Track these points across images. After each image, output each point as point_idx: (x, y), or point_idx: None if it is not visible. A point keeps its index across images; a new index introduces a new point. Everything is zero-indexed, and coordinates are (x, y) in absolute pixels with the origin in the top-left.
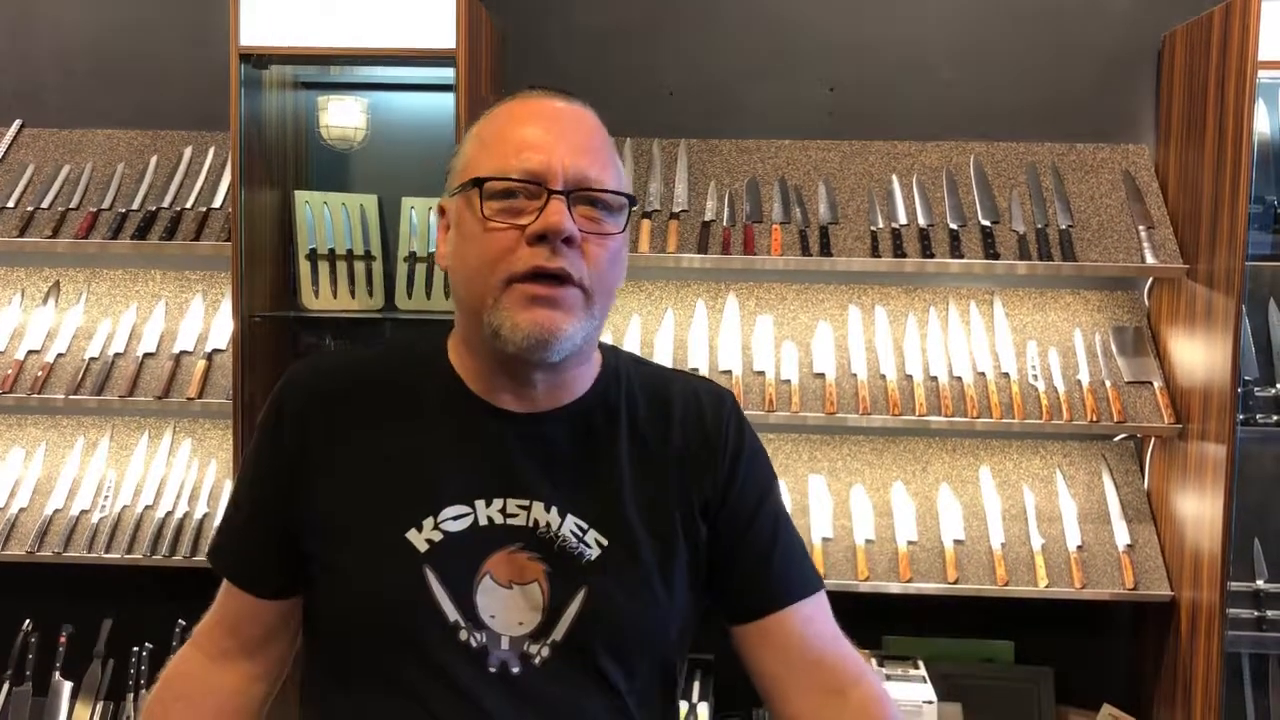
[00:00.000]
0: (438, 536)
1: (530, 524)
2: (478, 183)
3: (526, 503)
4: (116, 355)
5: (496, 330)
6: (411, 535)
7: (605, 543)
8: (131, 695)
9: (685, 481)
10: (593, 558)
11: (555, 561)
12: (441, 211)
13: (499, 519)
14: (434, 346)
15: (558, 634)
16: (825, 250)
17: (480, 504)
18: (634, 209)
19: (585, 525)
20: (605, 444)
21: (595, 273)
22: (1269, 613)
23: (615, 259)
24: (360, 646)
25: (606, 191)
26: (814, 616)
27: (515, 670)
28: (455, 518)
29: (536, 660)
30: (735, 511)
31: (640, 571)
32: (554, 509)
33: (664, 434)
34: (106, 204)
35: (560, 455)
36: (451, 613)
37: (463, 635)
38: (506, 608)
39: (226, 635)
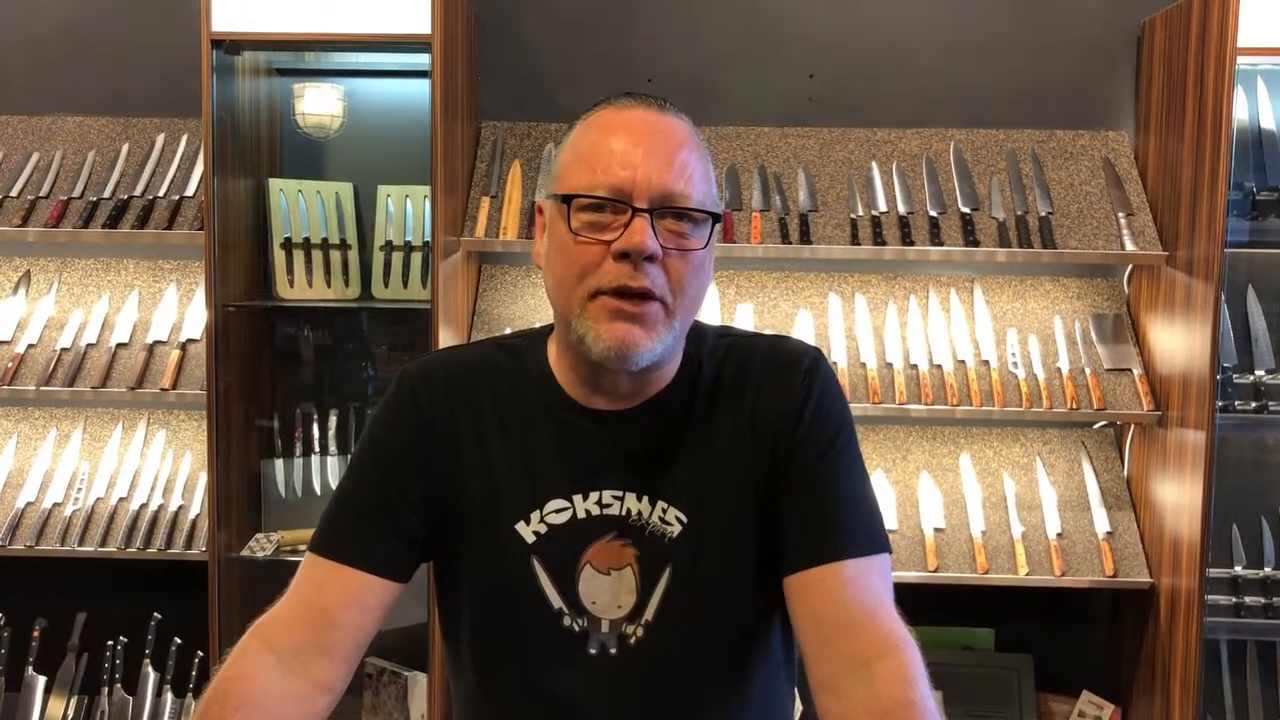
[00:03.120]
0: (543, 529)
1: (623, 513)
2: (567, 199)
3: (620, 493)
4: (89, 346)
5: (581, 338)
6: (520, 527)
7: (685, 520)
8: (105, 690)
9: (763, 440)
10: (674, 535)
11: (644, 545)
12: (539, 210)
13: (596, 510)
14: (531, 345)
15: (649, 614)
16: (805, 238)
17: (578, 498)
18: (719, 223)
19: (666, 505)
20: (688, 427)
21: (677, 286)
22: (1246, 599)
23: (698, 271)
24: (476, 633)
25: (690, 209)
26: (859, 579)
27: (613, 651)
28: (557, 511)
29: (632, 640)
30: (799, 459)
31: (720, 545)
32: (644, 497)
33: (743, 399)
34: (77, 192)
35: (648, 445)
36: (556, 600)
37: (566, 621)
38: (605, 593)
39: (306, 629)
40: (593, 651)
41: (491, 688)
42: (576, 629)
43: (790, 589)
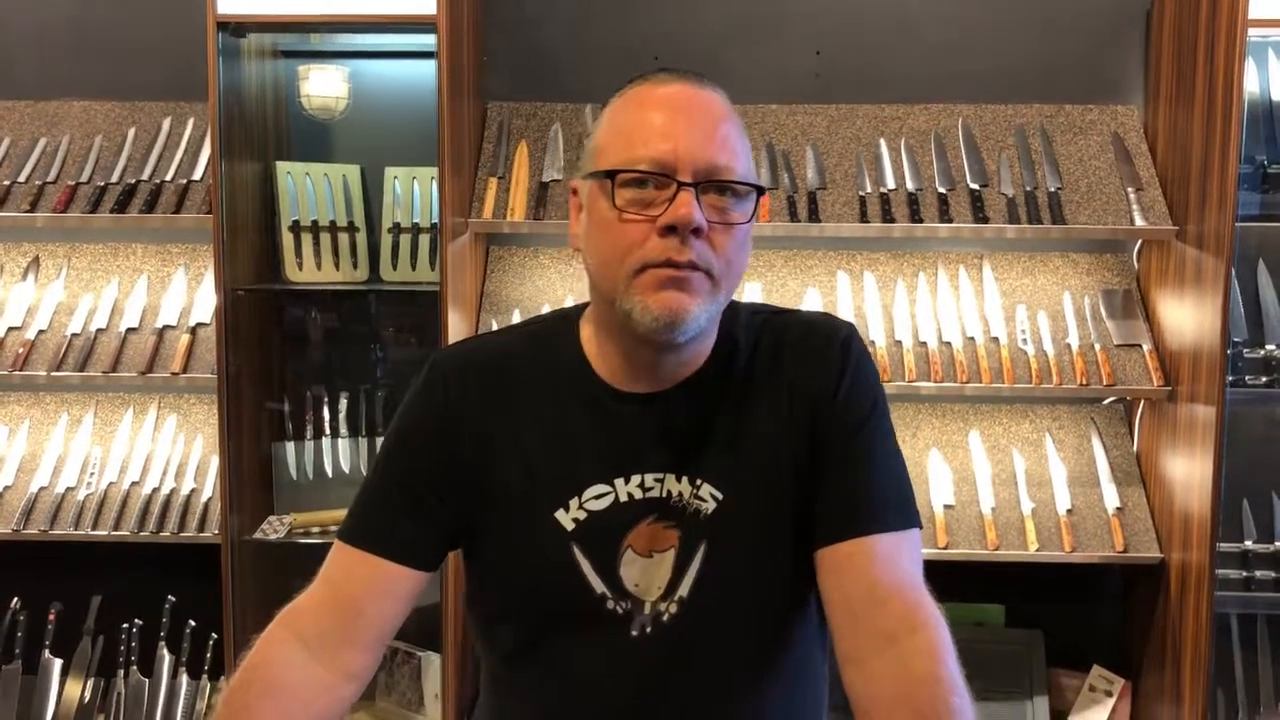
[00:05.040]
0: (582, 515)
1: (664, 495)
2: (610, 175)
3: (660, 475)
4: (99, 331)
5: (628, 313)
6: (559, 515)
7: (720, 496)
8: (122, 672)
9: (799, 415)
10: (709, 511)
11: (685, 525)
12: (574, 191)
13: (638, 494)
14: (563, 330)
15: (684, 590)
16: (814, 216)
17: (620, 482)
18: (762, 196)
19: (702, 481)
20: (725, 404)
21: (722, 260)
22: (1257, 573)
23: (742, 245)
24: (516, 622)
25: (735, 182)
26: (889, 555)
27: (649, 630)
28: (597, 497)
29: (665, 618)
30: (833, 433)
31: (753, 519)
32: (684, 478)
33: (779, 375)
34: (85, 177)
35: (685, 426)
36: (599, 585)
37: (609, 605)
38: (647, 575)
39: (333, 617)
40: (635, 633)
41: (529, 672)
42: (620, 612)
43: (821, 563)
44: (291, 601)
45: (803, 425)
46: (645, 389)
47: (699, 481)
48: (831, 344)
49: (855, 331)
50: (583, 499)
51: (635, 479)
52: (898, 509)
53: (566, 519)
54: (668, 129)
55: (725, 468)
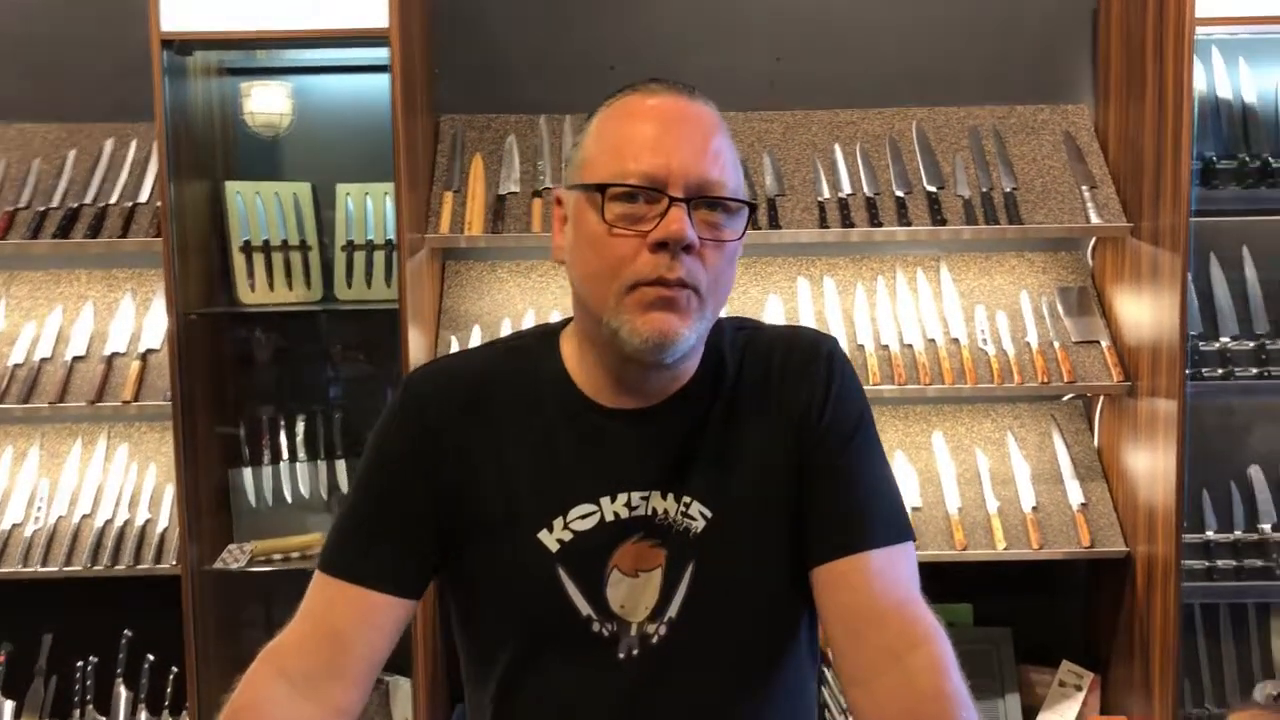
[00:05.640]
0: (568, 536)
1: (650, 513)
2: (600, 188)
3: (647, 493)
4: (43, 360)
5: (616, 332)
6: (543, 536)
7: (709, 514)
8: (77, 712)
9: (787, 431)
10: (699, 530)
11: (672, 544)
12: (558, 201)
13: (624, 513)
14: (543, 346)
15: (672, 611)
16: (773, 223)
17: (605, 500)
18: (754, 213)
19: (690, 499)
20: (713, 422)
21: (712, 277)
22: (1219, 563)
23: (731, 262)
24: (499, 646)
25: (727, 199)
26: (886, 569)
27: (636, 652)
28: (583, 516)
29: (654, 640)
30: (822, 449)
31: (743, 539)
32: (670, 495)
33: (765, 391)
34: (23, 202)
35: (673, 443)
36: (584, 607)
37: (595, 627)
38: (633, 595)
39: (317, 652)
40: (622, 655)
41: (518, 698)
42: (606, 634)
43: (817, 581)
44: (275, 638)
45: (791, 441)
46: (631, 405)
47: (687, 499)
48: (816, 359)
49: (838, 345)
50: (568, 519)
51: (621, 497)
52: (892, 522)
53: (551, 540)
54: (659, 142)
55: (714, 485)
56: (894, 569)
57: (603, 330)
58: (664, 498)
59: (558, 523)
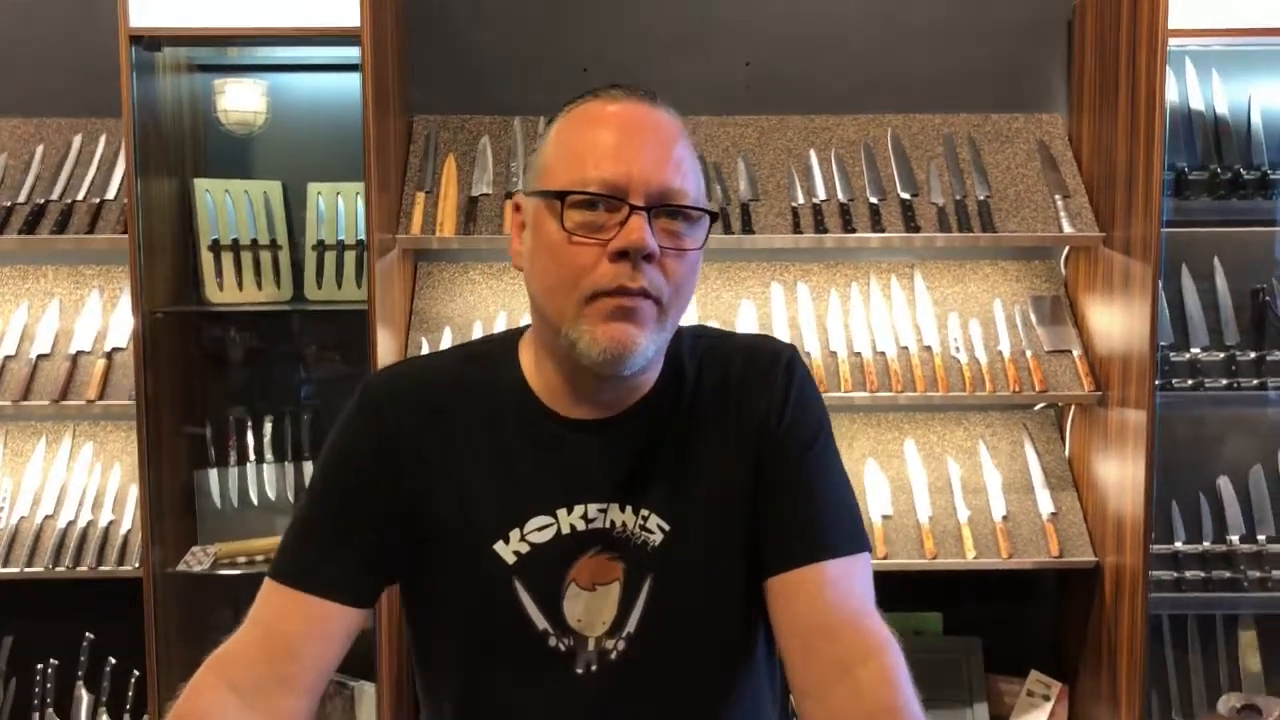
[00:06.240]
0: (524, 548)
1: (608, 525)
2: (560, 196)
3: (604, 505)
4: (8, 358)
5: (574, 343)
6: (499, 548)
7: (667, 527)
8: (37, 715)
9: (746, 441)
10: (656, 544)
11: (630, 557)
12: (515, 206)
13: (581, 525)
14: (503, 353)
15: (631, 625)
16: (747, 228)
17: (562, 513)
18: (715, 221)
19: (648, 513)
20: (672, 432)
21: (672, 286)
22: (1187, 574)
23: (692, 271)
24: (455, 659)
25: (688, 207)
26: (840, 581)
27: (595, 668)
28: (540, 528)
29: (613, 655)
30: (779, 458)
31: (702, 552)
32: (628, 508)
33: (724, 401)
34: None
35: (632, 454)
36: (540, 621)
37: (551, 642)
38: (590, 610)
39: (266, 661)
40: (579, 671)
41: (472, 711)
42: (563, 649)
43: (772, 592)
44: (221, 645)
45: (748, 451)
46: (589, 415)
47: (645, 512)
48: (775, 369)
49: (797, 354)
50: (525, 531)
51: (579, 509)
52: (848, 533)
53: (507, 551)
54: (620, 150)
55: (672, 498)
56: (849, 580)
57: (561, 341)
58: (622, 510)
59: (514, 534)
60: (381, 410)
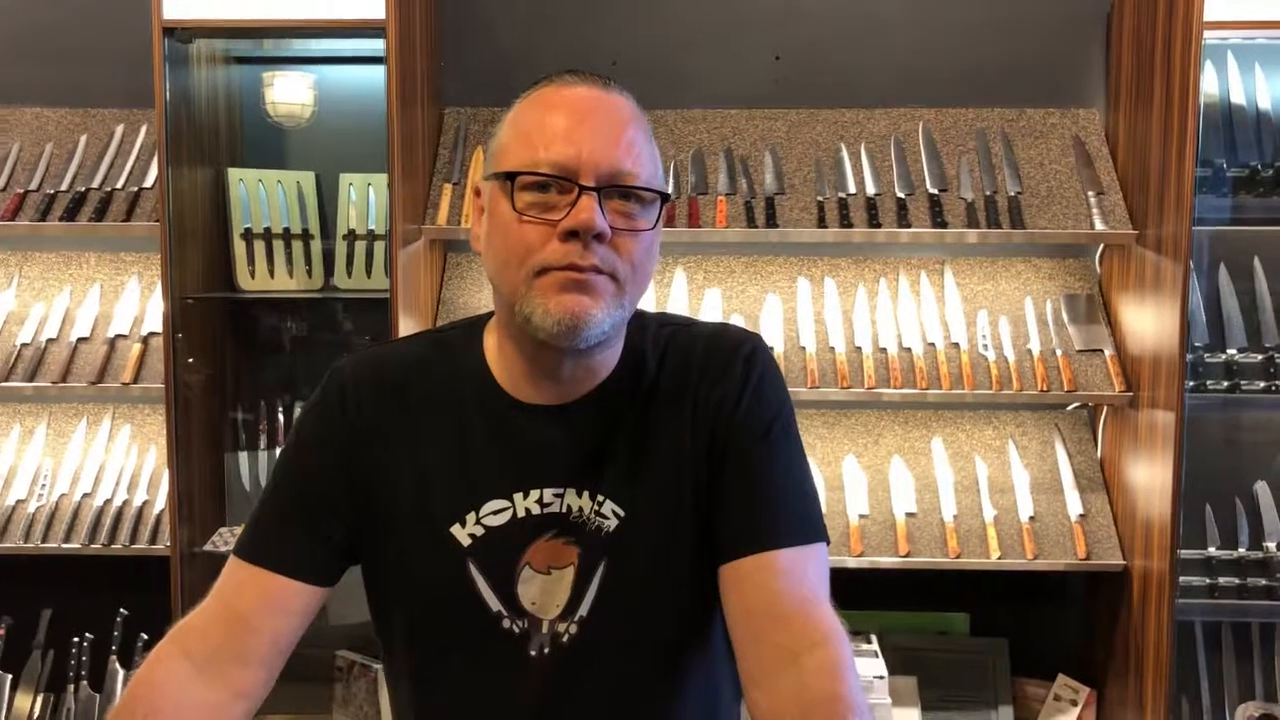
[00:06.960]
0: (479, 531)
1: (564, 510)
2: (510, 176)
3: (560, 490)
4: (50, 340)
5: (528, 317)
6: (455, 530)
7: (622, 513)
8: (72, 687)
9: (702, 428)
10: (611, 529)
11: (585, 542)
12: (477, 192)
13: (536, 510)
14: (466, 339)
15: (584, 609)
16: (772, 221)
17: (518, 497)
18: (667, 202)
19: (604, 498)
20: (630, 419)
21: (627, 266)
22: (1220, 580)
23: (648, 251)
24: (411, 640)
25: (638, 188)
26: (792, 570)
27: (548, 651)
28: (495, 512)
29: (565, 638)
30: (735, 444)
31: (656, 538)
32: (585, 493)
33: (683, 388)
34: (34, 185)
35: (589, 439)
36: (494, 604)
37: (506, 624)
38: (545, 593)
39: (222, 634)
40: (533, 653)
41: (429, 694)
42: (517, 631)
43: (724, 579)
44: (184, 617)
45: (705, 438)
46: (548, 400)
47: (600, 498)
48: (735, 357)
49: (761, 343)
50: (480, 514)
51: (534, 494)
52: (802, 522)
53: (463, 534)
54: (571, 132)
55: (628, 484)
56: (800, 570)
57: (516, 317)
58: (579, 495)
59: (470, 517)
60: (345, 393)
